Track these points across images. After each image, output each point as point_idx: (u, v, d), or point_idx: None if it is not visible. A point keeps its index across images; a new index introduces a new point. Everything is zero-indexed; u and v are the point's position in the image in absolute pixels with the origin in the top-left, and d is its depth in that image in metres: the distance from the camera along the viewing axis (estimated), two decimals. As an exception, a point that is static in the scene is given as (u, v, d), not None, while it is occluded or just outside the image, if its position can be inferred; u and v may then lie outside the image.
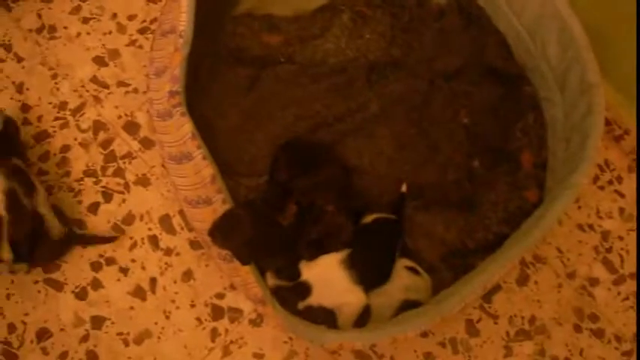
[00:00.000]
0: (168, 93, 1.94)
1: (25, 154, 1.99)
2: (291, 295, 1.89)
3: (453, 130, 2.14)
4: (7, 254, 1.74)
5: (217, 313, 2.02)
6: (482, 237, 2.03)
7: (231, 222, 1.87)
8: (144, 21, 2.47)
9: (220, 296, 2.00)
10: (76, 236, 2.14)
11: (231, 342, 2.13)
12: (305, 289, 1.91)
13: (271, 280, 1.91)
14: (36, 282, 2.18)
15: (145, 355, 2.12)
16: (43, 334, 2.17)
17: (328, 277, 1.89)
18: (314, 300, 1.89)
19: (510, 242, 1.74)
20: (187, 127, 1.95)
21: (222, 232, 1.85)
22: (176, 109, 1.95)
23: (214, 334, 2.11)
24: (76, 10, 2.51)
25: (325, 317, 1.87)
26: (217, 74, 2.17)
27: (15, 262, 1.77)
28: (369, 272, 1.82)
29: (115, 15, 2.48)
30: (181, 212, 2.04)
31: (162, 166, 2.21)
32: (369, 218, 1.90)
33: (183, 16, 1.95)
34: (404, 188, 1.90)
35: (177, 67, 1.94)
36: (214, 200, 1.94)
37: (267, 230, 1.91)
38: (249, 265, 1.88)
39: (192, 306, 2.05)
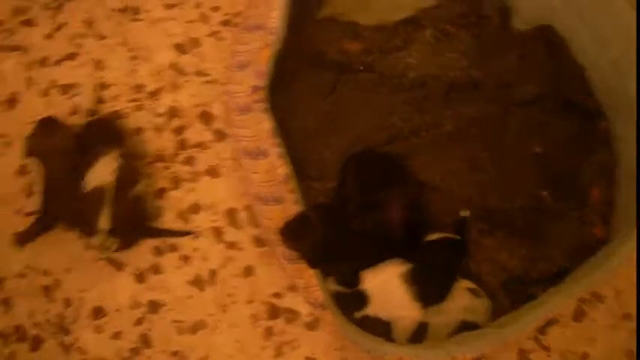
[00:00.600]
0: (252, 87, 1.98)
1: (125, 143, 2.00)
2: (349, 302, 1.93)
3: (524, 158, 2.15)
4: (106, 224, 1.74)
5: (274, 312, 2.02)
6: (546, 268, 2.06)
7: (304, 224, 1.90)
8: (227, 13, 2.50)
9: (278, 296, 2.03)
10: (153, 228, 2.12)
11: (285, 343, 2.16)
12: (363, 299, 1.94)
13: (332, 286, 1.94)
14: (97, 260, 2.19)
15: (198, 345, 2.15)
16: (98, 313, 2.20)
17: (387, 289, 1.93)
18: (371, 310, 1.93)
19: (574, 277, 1.75)
20: (267, 123, 1.99)
21: (294, 233, 1.89)
22: (257, 105, 1.99)
23: (269, 333, 2.04)
24: (161, -6, 2.31)
25: (381, 329, 1.92)
26: (298, 75, 2.23)
27: (110, 234, 1.75)
28: (429, 289, 1.86)
29: (199, 4, 2.53)
30: (248, 207, 2.07)
31: (234, 159, 2.20)
32: (434, 236, 1.90)
33: (275, 13, 2.00)
34: (466, 213, 1.89)
35: (264, 63, 1.93)
36: (286, 200, 1.96)
37: (338, 235, 1.94)
38: (314, 269, 1.77)
39: (250, 302, 2.00)
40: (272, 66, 1.98)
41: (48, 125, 2.12)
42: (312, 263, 1.79)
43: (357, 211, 1.93)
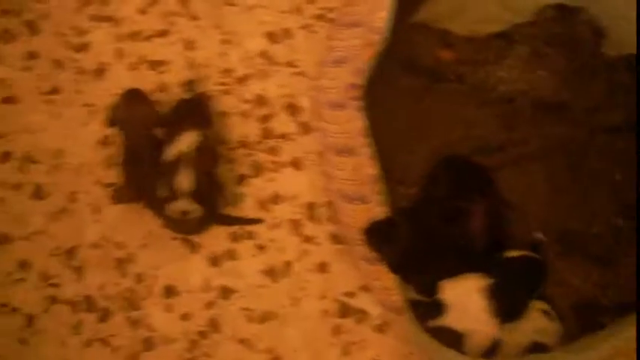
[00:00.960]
0: (347, 85, 2.00)
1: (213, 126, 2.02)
2: (426, 311, 1.93)
3: (604, 184, 2.17)
4: (187, 185, 1.74)
5: (345, 310, 2.03)
6: (616, 296, 2.06)
7: (391, 229, 1.91)
8: (322, 7, 2.51)
9: (350, 295, 2.05)
10: (225, 215, 2.20)
11: (352, 343, 2.17)
12: (440, 308, 1.92)
13: (410, 293, 1.94)
14: (173, 239, 2.22)
15: (266, 335, 2.17)
16: (170, 291, 2.23)
17: (466, 301, 1.92)
18: (446, 321, 1.92)
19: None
20: (359, 122, 2.00)
21: (381, 236, 1.90)
22: (352, 102, 2.01)
23: (337, 330, 2.06)
24: (257, -19, 2.34)
25: (453, 340, 1.91)
26: (390, 77, 2.26)
27: (193, 199, 1.73)
28: (508, 306, 1.86)
29: None
30: (329, 203, 2.06)
31: (319, 153, 2.19)
32: (514, 253, 1.90)
33: (382, 13, 2.03)
34: (540, 235, 1.91)
35: (365, 61, 1.99)
36: (371, 200, 1.98)
37: (423, 244, 1.94)
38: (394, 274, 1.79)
39: (322, 298, 2.01)
40: (372, 65, 1.99)
41: (133, 96, 2.16)
42: (394, 269, 1.77)
43: (442, 217, 1.83)
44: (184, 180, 1.79)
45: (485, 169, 2.18)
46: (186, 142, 1.86)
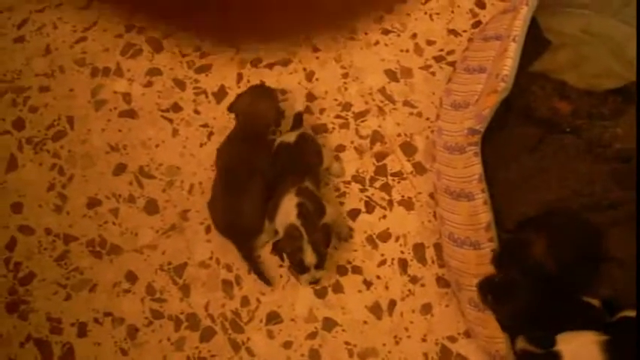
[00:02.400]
0: (468, 130, 2.08)
1: (318, 173, 2.16)
2: None
3: None
4: (311, 258, 1.79)
5: (445, 355, 2.04)
6: None
7: (509, 288, 1.94)
8: (441, 50, 2.62)
9: (452, 339, 2.07)
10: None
11: (451, 388, 2.05)
12: None
13: (521, 343, 1.96)
14: (280, 266, 2.32)
15: (365, 372, 2.04)
16: (273, 318, 2.30)
17: (583, 355, 1.90)
18: None
19: None
20: (477, 168, 2.07)
21: (497, 294, 1.93)
22: (470, 148, 2.09)
23: None
24: (379, 19, 2.69)
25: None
26: (506, 124, 2.27)
27: (316, 267, 1.80)
28: (623, 363, 1.78)
29: (414, 35, 2.67)
30: (437, 245, 2.12)
31: (431, 195, 2.17)
32: (631, 313, 1.88)
33: (508, 62, 2.10)
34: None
35: (487, 107, 2.03)
36: (483, 247, 2.04)
37: (541, 304, 1.92)
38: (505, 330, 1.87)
39: (424, 340, 2.03)
40: (493, 112, 2.01)
41: (261, 91, 2.29)
42: (506, 327, 1.88)
43: (554, 280, 1.85)
44: (308, 256, 1.90)
45: (596, 227, 2.11)
46: (290, 209, 1.96)
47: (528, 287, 1.89)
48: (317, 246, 1.85)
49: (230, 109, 2.11)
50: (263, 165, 2.03)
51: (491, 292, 1.90)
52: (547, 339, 1.86)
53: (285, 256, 1.87)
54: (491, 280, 1.90)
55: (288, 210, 1.93)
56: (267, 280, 2.06)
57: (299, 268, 1.89)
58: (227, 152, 2.07)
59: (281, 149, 2.02)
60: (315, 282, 1.91)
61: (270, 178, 2.02)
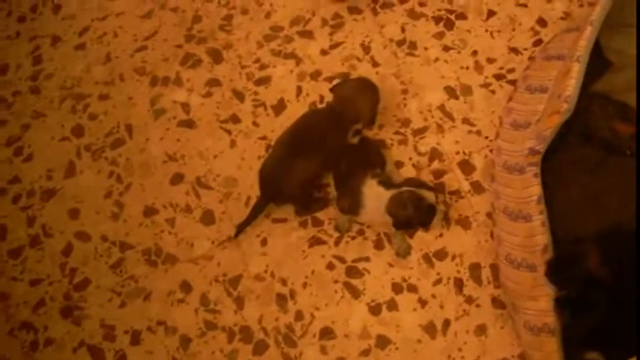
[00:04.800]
0: (528, 150, 2.11)
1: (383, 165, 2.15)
2: None
3: None
4: (432, 196, 2.12)
5: (499, 377, 1.90)
6: None
7: (587, 304, 1.90)
8: (501, 68, 2.63)
9: (506, 362, 1.87)
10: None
11: (504, 411, 2.04)
12: None
13: (592, 354, 1.84)
14: (336, 281, 2.34)
15: (417, 392, 2.05)
16: (326, 333, 2.31)
17: None
18: None
19: None
20: (536, 189, 2.09)
21: (574, 310, 1.91)
22: (530, 168, 2.11)
23: None
24: (440, 35, 2.71)
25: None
26: (566, 145, 2.26)
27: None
28: None
29: (475, 52, 2.68)
30: (493, 266, 2.10)
31: (489, 215, 2.14)
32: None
33: (571, 82, 2.11)
34: None
35: (549, 128, 2.07)
36: (540, 269, 2.02)
37: (619, 321, 1.90)
38: (557, 345, 1.91)
39: (477, 361, 1.94)
40: (555, 133, 2.02)
41: (368, 86, 2.20)
42: (580, 345, 1.86)
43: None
44: (431, 196, 2.11)
45: None
46: (377, 192, 2.10)
47: (605, 304, 1.86)
48: (423, 185, 1.99)
49: (331, 89, 2.15)
50: (333, 146, 2.12)
51: (569, 307, 1.87)
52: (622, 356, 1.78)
53: (412, 222, 2.00)
54: (568, 296, 1.86)
55: (374, 193, 2.09)
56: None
57: (430, 213, 2.01)
58: (306, 118, 2.16)
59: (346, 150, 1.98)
60: (446, 218, 1.98)
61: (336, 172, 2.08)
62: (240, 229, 2.14)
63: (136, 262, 2.20)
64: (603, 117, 2.31)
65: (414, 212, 1.91)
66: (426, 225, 1.97)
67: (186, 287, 2.14)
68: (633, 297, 1.88)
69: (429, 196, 1.92)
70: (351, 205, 1.97)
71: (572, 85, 2.03)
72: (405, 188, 1.93)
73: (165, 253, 2.23)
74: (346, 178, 2.03)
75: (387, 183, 1.98)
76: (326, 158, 2.09)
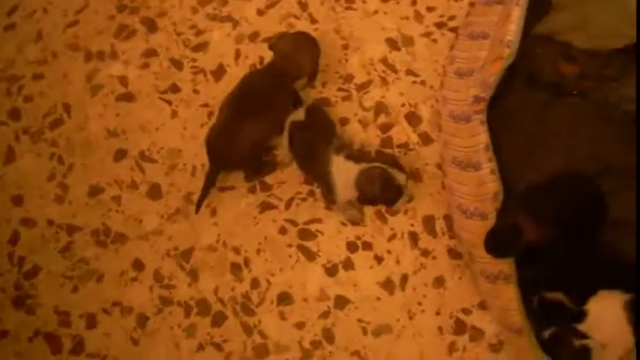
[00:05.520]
0: (473, 97, 2.07)
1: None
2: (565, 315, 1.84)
3: None
4: (402, 177, 2.08)
5: (460, 327, 2.01)
6: None
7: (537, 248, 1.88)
8: (442, 15, 2.59)
9: (467, 312, 2.04)
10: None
11: (467, 361, 2.05)
12: (581, 316, 1.87)
13: (551, 294, 1.92)
14: (289, 245, 2.31)
15: (380, 349, 2.22)
16: (284, 299, 2.30)
17: (608, 314, 1.89)
18: (584, 328, 1.87)
19: None
20: (483, 136, 2.08)
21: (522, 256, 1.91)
22: (476, 116, 2.08)
23: (452, 348, 2.00)
24: (377, -14, 2.44)
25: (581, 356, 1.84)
26: (511, 90, 2.27)
27: None
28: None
29: (414, 2, 2.62)
30: (447, 217, 2.07)
31: (438, 166, 2.11)
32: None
33: (512, 27, 2.10)
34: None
35: (493, 74, 2.03)
36: (491, 218, 2.02)
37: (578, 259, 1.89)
38: (515, 292, 1.91)
39: (437, 314, 2.01)
40: (499, 79, 2.03)
41: (305, 40, 2.16)
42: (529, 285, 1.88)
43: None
44: (400, 177, 2.12)
45: (604, 197, 2.07)
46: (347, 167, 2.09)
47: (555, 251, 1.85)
48: (396, 164, 1.94)
49: (270, 47, 2.10)
50: (278, 107, 2.10)
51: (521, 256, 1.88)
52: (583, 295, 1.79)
53: (377, 200, 1.98)
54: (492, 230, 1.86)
55: (343, 169, 2.08)
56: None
57: (398, 195, 1.99)
58: (249, 80, 2.10)
59: (294, 128, 2.05)
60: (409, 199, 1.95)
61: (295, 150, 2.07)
62: (200, 204, 2.10)
63: (85, 244, 2.18)
64: (547, 59, 2.32)
65: (382, 191, 1.90)
66: (390, 204, 1.97)
67: (138, 265, 2.10)
68: (586, 235, 1.91)
69: (400, 177, 1.90)
70: (328, 190, 1.99)
71: (512, 30, 2.04)
72: (376, 164, 1.89)
73: (114, 232, 2.20)
74: (311, 162, 2.04)
75: (356, 157, 1.94)
76: (274, 119, 2.06)
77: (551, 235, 1.85)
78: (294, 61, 2.06)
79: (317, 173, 1.99)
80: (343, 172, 1.92)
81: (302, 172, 2.08)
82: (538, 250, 1.84)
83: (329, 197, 2.01)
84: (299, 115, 1.99)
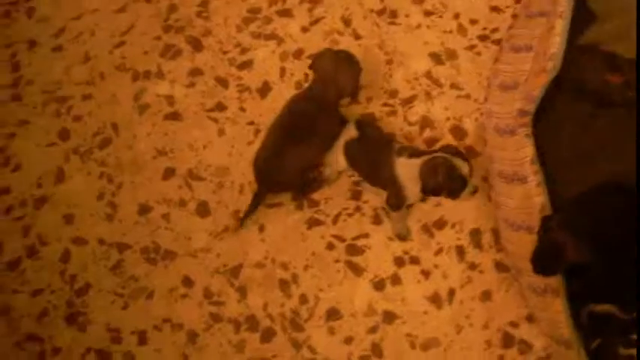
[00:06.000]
0: (518, 111, 2.06)
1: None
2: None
3: None
4: (465, 167, 2.06)
5: (508, 341, 2.04)
6: None
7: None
8: (485, 28, 2.59)
9: (514, 325, 2.06)
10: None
11: (517, 374, 2.05)
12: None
13: (602, 307, 1.89)
14: (337, 261, 2.32)
15: (429, 363, 2.06)
16: (333, 314, 2.31)
17: None
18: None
19: None
20: (529, 150, 2.07)
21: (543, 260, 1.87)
22: (522, 129, 2.07)
23: None
24: (420, 1, 2.65)
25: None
26: (556, 102, 2.25)
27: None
28: None
29: (457, 15, 2.63)
30: (494, 230, 2.09)
31: (485, 179, 2.12)
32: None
33: (556, 39, 2.09)
34: None
35: (537, 88, 2.04)
36: (537, 230, 1.93)
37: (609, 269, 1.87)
38: (563, 304, 1.90)
39: (485, 327, 2.03)
40: (543, 92, 2.03)
41: (346, 58, 2.14)
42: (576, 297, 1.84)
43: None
44: (465, 167, 2.07)
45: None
46: (409, 164, 2.11)
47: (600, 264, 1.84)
48: (459, 153, 1.92)
49: (310, 66, 2.08)
50: (325, 130, 2.08)
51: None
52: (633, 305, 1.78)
53: (441, 189, 1.95)
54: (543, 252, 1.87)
55: (407, 167, 2.08)
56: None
57: (461, 184, 1.96)
58: (295, 104, 2.10)
59: (351, 146, 2.09)
60: (475, 190, 1.93)
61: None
62: (244, 219, 2.11)
63: (135, 262, 2.19)
64: (593, 69, 2.28)
65: (445, 180, 1.87)
66: (454, 195, 1.91)
67: (187, 282, 2.12)
68: (629, 249, 1.88)
69: (462, 166, 1.88)
70: (397, 194, 1.97)
71: (557, 42, 2.02)
72: (438, 154, 1.89)
73: (163, 249, 2.22)
74: (377, 172, 2.03)
75: (416, 152, 1.96)
76: (321, 143, 2.07)
77: (591, 253, 1.81)
78: (335, 81, 2.07)
79: (384, 181, 1.97)
80: (408, 169, 1.93)
81: (369, 185, 2.10)
82: (582, 267, 1.78)
83: (396, 202, 1.99)
84: (351, 132, 1.99)
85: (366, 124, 2.06)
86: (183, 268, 2.17)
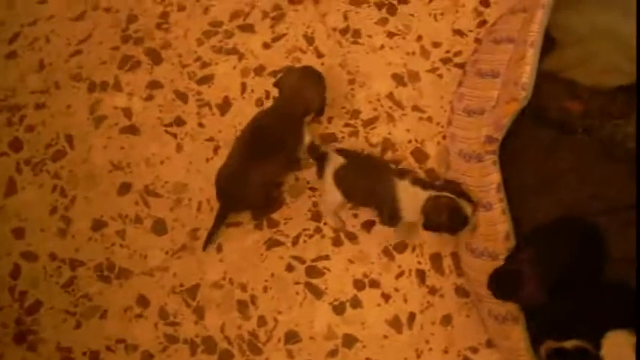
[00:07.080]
0: (485, 137, 2.07)
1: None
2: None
3: None
4: (468, 207, 2.08)
5: (468, 366, 1.90)
6: None
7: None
8: (447, 51, 2.57)
9: (474, 350, 2.07)
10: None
11: (475, 400, 2.05)
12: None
13: (572, 343, 1.84)
14: (296, 283, 2.29)
15: (388, 388, 2.05)
16: (292, 337, 2.28)
17: (621, 354, 1.79)
18: None
19: None
20: (495, 177, 2.07)
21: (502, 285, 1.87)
22: (489, 156, 2.08)
23: None
24: (383, 22, 2.65)
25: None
26: (520, 127, 2.26)
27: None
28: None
29: (420, 37, 2.62)
30: (454, 255, 2.09)
31: None
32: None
33: (527, 68, 2.07)
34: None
35: (507, 116, 2.06)
36: (502, 258, 1.99)
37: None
38: (523, 333, 1.94)
39: (445, 352, 2.04)
40: (511, 121, 2.02)
41: (311, 75, 2.14)
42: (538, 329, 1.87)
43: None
44: (467, 207, 2.10)
45: (604, 242, 2.11)
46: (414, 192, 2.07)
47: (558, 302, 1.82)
48: (463, 195, 1.88)
49: (275, 84, 2.07)
50: (291, 146, 2.07)
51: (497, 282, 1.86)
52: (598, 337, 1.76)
53: (442, 228, 1.94)
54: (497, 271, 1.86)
55: (410, 194, 2.05)
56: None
57: (463, 225, 1.93)
58: (259, 121, 2.09)
59: (343, 174, 2.02)
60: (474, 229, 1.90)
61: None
62: (207, 241, 2.12)
63: (88, 279, 2.15)
64: (553, 97, 2.31)
65: (448, 221, 1.85)
66: (451, 233, 1.92)
67: (143, 301, 2.08)
68: (590, 281, 1.95)
69: (467, 207, 1.86)
70: (394, 214, 1.94)
71: (527, 72, 2.03)
72: (445, 194, 1.87)
73: (118, 267, 2.18)
74: (372, 193, 2.00)
75: (422, 183, 1.92)
76: (285, 159, 2.08)
77: (548, 296, 1.85)
78: (302, 97, 2.04)
79: (380, 200, 1.97)
80: (411, 196, 1.91)
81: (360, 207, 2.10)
82: (540, 304, 1.82)
83: (390, 222, 1.98)
84: (337, 161, 1.96)
85: (349, 150, 2.04)
86: (139, 287, 2.13)
